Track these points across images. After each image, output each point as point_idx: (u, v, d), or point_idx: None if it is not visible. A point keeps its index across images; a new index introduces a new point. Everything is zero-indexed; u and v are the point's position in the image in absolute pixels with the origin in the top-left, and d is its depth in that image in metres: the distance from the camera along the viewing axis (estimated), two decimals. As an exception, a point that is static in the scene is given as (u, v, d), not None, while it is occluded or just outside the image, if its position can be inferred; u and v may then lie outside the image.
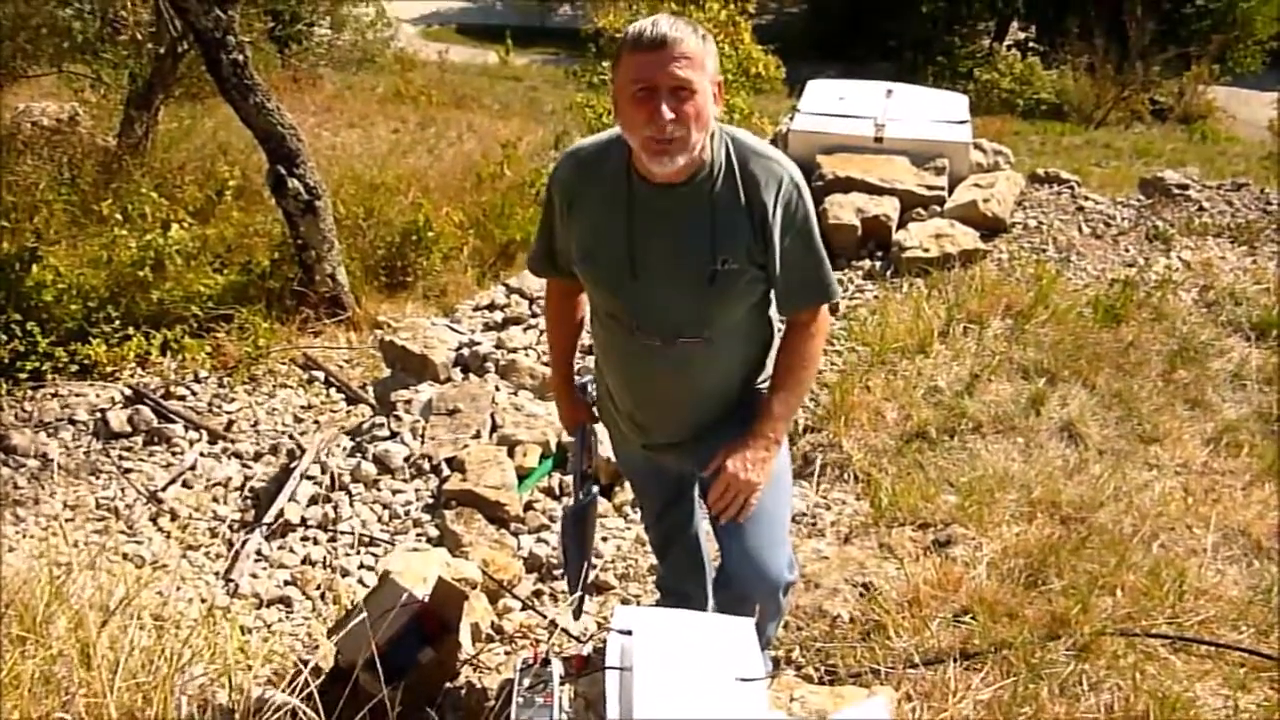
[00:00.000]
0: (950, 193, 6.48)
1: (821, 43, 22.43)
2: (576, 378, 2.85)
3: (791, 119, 7.24)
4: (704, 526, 3.09)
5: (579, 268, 2.46)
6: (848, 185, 6.36)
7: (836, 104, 7.12)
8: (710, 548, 3.14)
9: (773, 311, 2.51)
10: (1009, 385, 4.76)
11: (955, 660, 3.00)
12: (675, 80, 2.13)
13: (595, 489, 2.88)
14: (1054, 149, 13.11)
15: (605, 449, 2.97)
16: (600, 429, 2.88)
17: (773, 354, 2.58)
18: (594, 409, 2.84)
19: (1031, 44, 21.31)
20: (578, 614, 3.45)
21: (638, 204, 2.30)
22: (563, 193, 2.42)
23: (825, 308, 2.48)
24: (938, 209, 6.35)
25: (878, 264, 6.02)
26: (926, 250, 5.90)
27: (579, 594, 3.10)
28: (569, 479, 4.45)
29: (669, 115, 2.13)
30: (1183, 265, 5.97)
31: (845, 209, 6.15)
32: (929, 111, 7.10)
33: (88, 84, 10.34)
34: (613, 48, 12.17)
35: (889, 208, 6.20)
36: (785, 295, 2.42)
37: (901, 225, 6.23)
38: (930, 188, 6.43)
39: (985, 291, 5.51)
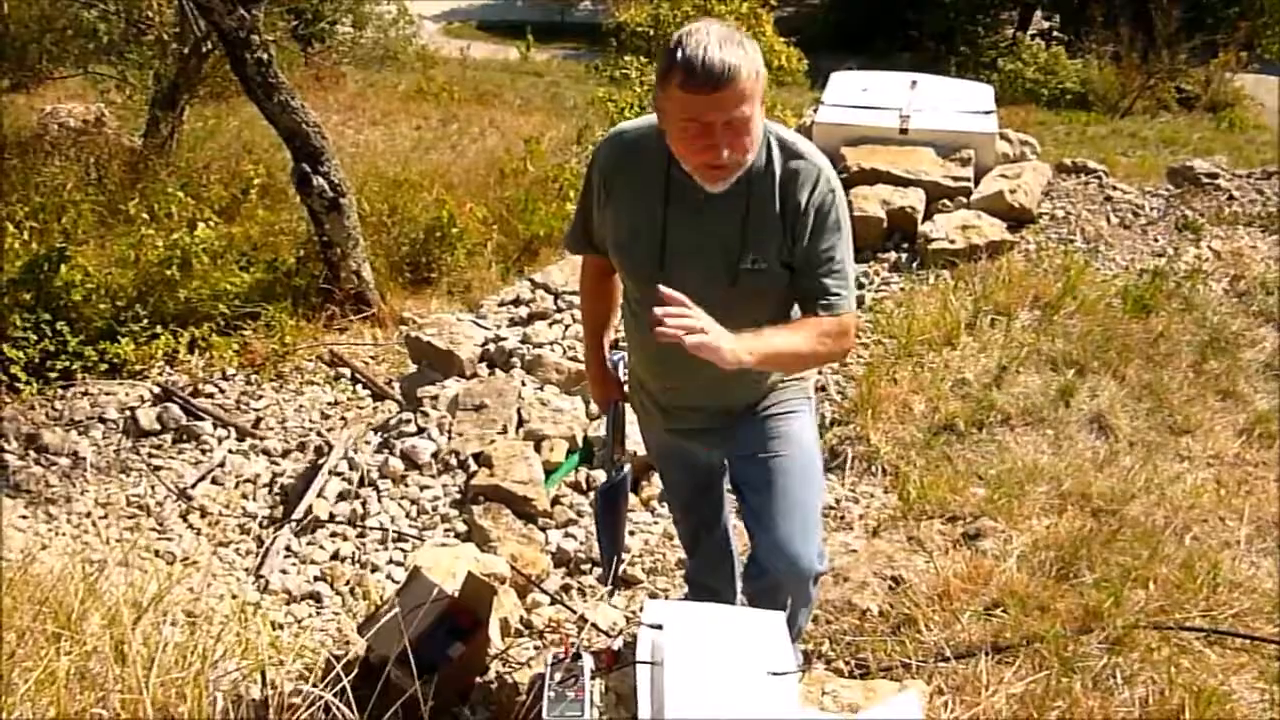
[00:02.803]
0: (976, 184, 6.43)
1: (843, 34, 22.37)
2: (610, 355, 2.85)
3: (815, 111, 7.22)
4: (732, 521, 3.09)
5: (612, 252, 2.49)
6: (873, 177, 6.33)
7: (860, 96, 7.09)
8: (739, 542, 3.14)
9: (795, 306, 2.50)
10: (1038, 377, 4.72)
11: (987, 654, 2.99)
12: (731, 118, 2.11)
13: (627, 466, 2.89)
14: (1079, 139, 13.01)
15: (636, 438, 2.98)
16: (631, 412, 2.88)
17: None
18: (625, 387, 2.84)
19: (1055, 33, 21.16)
20: (607, 579, 3.46)
21: (673, 195, 2.30)
22: (601, 175, 2.43)
23: (848, 322, 2.35)
24: (964, 200, 6.32)
25: (903, 256, 5.99)
26: (953, 242, 5.87)
27: (612, 567, 3.12)
28: (597, 472, 4.45)
29: (726, 152, 2.14)
30: (1213, 255, 5.91)
31: (870, 201, 6.12)
32: (954, 102, 7.06)
33: (113, 85, 10.42)
34: (634, 42, 12.24)
35: (914, 199, 6.17)
36: (803, 299, 2.38)
37: (927, 217, 6.19)
38: (956, 179, 6.39)
39: (1013, 283, 5.47)
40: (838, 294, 2.31)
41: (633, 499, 4.30)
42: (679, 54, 2.08)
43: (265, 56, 6.23)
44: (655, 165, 2.29)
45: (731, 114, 2.10)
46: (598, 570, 3.98)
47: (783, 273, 2.32)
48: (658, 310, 2.05)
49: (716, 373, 2.50)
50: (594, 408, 4.79)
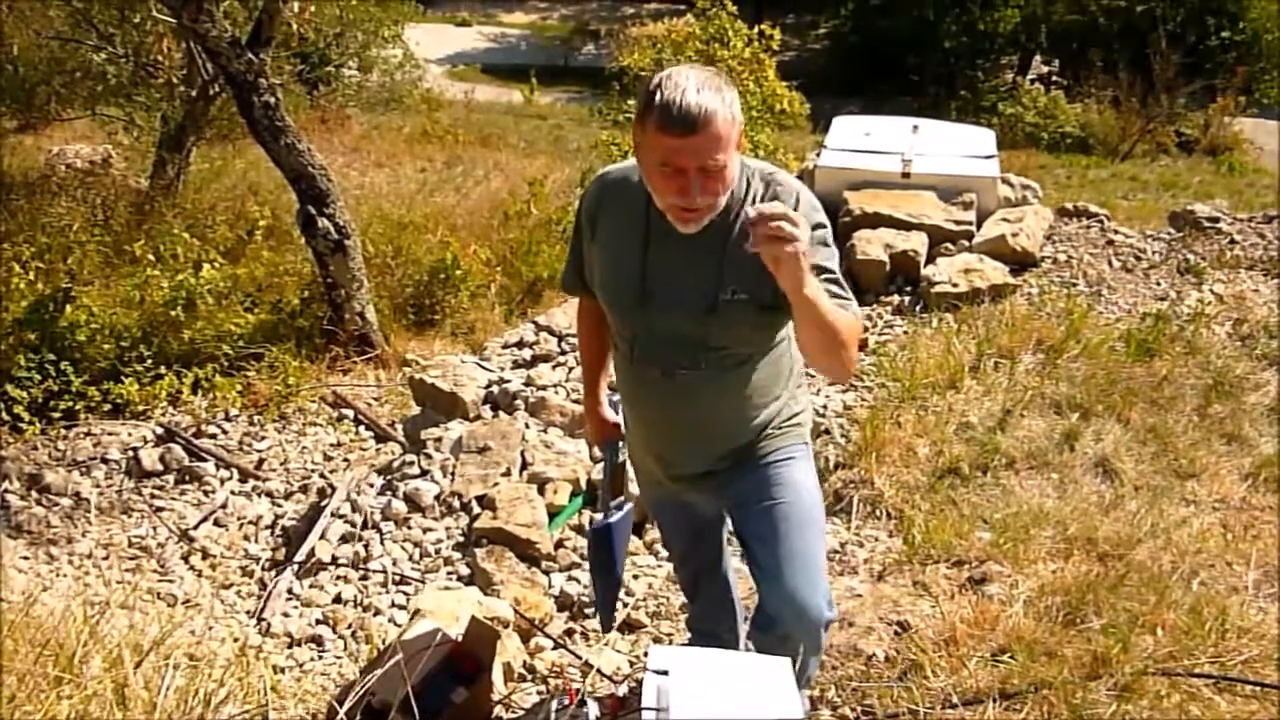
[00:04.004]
0: (978, 227, 6.46)
1: (844, 78, 22.54)
2: (607, 395, 2.85)
3: (818, 155, 7.27)
4: (733, 565, 3.07)
5: (597, 289, 2.52)
6: (875, 221, 6.36)
7: (863, 140, 7.14)
8: (741, 587, 3.12)
9: (785, 345, 2.50)
10: (1042, 421, 4.72)
11: (994, 700, 2.96)
12: (705, 164, 2.13)
13: (627, 506, 2.87)
14: (1080, 182, 13.09)
15: (634, 484, 2.97)
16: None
17: (790, 389, 2.57)
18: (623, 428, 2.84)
19: (1055, 78, 21.32)
20: (607, 626, 3.44)
21: (654, 229, 2.33)
22: (588, 215, 2.48)
23: (860, 330, 2.37)
24: (966, 244, 6.34)
25: (906, 299, 6.00)
26: (955, 285, 5.89)
27: (609, 613, 3.10)
28: (599, 515, 4.44)
29: (700, 197, 2.17)
30: (1215, 299, 5.93)
31: (873, 244, 6.14)
32: (956, 146, 7.11)
33: (121, 127, 10.50)
34: (636, 86, 12.30)
35: (917, 243, 6.20)
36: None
37: (930, 260, 6.22)
38: (958, 222, 6.42)
39: (1016, 326, 5.48)
40: (846, 301, 2.30)
41: (635, 542, 4.28)
42: (656, 96, 2.10)
43: (272, 100, 6.28)
44: (637, 201, 2.33)
45: (705, 160, 2.12)
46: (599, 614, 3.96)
47: (762, 306, 2.32)
48: (751, 210, 2.04)
49: (694, 422, 2.50)
50: (598, 450, 4.78)
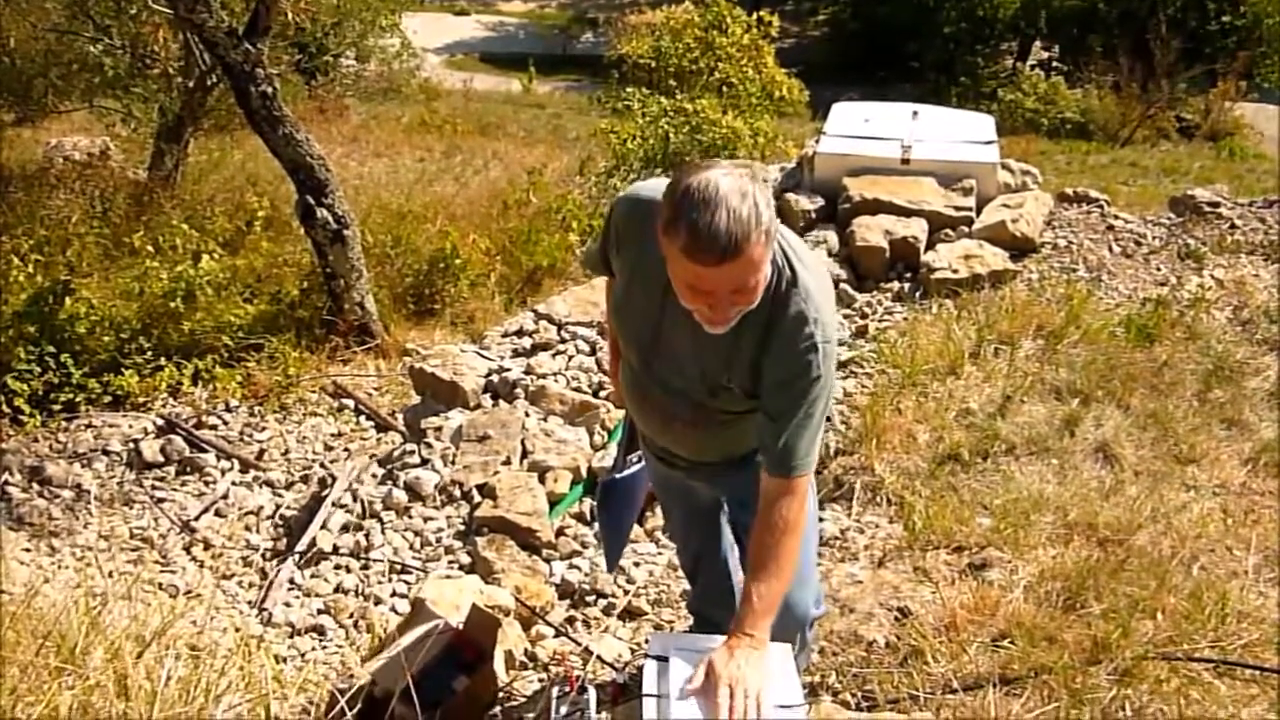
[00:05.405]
0: (978, 213, 6.45)
1: (844, 65, 22.52)
2: None
3: (817, 142, 7.25)
4: (734, 550, 3.08)
5: (611, 309, 2.49)
6: (875, 207, 6.34)
7: (862, 126, 7.12)
8: (741, 573, 3.13)
9: None
10: (1042, 406, 4.71)
11: (995, 685, 2.96)
12: (737, 286, 2.00)
13: (640, 464, 2.86)
14: (1080, 168, 13.07)
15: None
16: None
17: None
18: None
19: (1055, 63, 21.31)
20: (609, 568, 3.44)
21: (670, 301, 2.16)
22: (616, 228, 2.37)
23: (802, 483, 2.23)
24: (966, 230, 6.33)
25: (906, 285, 6.00)
26: (955, 271, 5.88)
27: (614, 557, 3.11)
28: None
29: (731, 309, 2.05)
30: (1215, 284, 5.92)
31: (873, 231, 6.13)
32: (955, 132, 7.09)
33: (118, 118, 10.46)
34: (636, 73, 12.22)
35: (917, 229, 6.18)
36: (759, 442, 2.26)
37: (930, 246, 6.20)
38: (958, 208, 6.40)
39: (1016, 312, 5.47)
40: (788, 451, 2.19)
41: (637, 530, 4.29)
42: (684, 216, 1.91)
43: (270, 90, 6.26)
44: (661, 255, 2.07)
45: (737, 284, 1.99)
46: (603, 601, 3.97)
47: (753, 395, 2.28)
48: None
49: (695, 444, 2.50)
50: (598, 438, 4.80)
